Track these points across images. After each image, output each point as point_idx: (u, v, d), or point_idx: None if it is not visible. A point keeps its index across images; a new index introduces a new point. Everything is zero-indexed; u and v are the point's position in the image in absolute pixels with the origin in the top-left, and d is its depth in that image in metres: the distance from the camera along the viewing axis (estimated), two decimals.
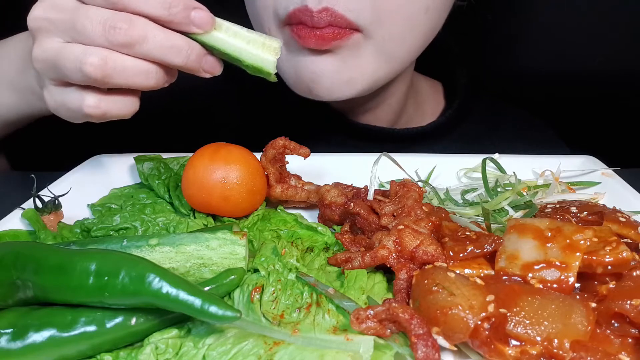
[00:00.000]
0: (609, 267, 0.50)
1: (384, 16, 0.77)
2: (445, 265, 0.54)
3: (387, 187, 0.77)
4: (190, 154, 0.74)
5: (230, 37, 0.62)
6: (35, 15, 0.61)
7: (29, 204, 0.72)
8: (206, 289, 0.53)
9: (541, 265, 0.51)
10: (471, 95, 1.10)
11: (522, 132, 1.11)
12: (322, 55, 0.79)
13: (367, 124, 1.02)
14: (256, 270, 0.57)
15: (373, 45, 0.80)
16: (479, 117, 1.10)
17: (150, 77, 0.61)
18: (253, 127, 1.05)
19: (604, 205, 0.65)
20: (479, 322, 0.46)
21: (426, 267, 0.53)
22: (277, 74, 0.64)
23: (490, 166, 0.81)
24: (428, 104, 1.11)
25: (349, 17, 0.75)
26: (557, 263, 0.51)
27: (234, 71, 0.67)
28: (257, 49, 0.62)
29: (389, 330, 0.48)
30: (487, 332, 0.47)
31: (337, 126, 0.99)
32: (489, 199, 0.74)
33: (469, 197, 0.77)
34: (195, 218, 0.72)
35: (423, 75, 1.13)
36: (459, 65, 1.11)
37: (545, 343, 0.46)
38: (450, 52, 1.12)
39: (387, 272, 0.59)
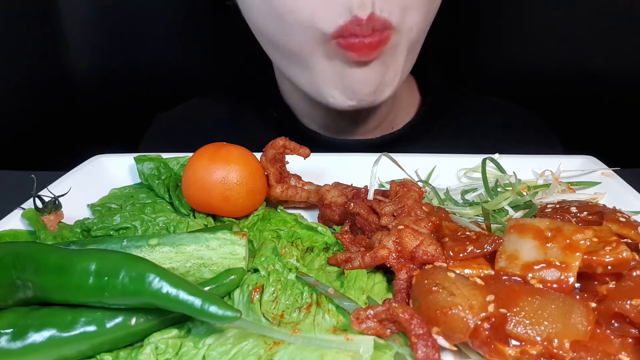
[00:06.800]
0: (609, 267, 0.50)
1: (407, 9, 0.81)
2: (445, 265, 0.54)
3: (387, 187, 0.77)
4: (190, 154, 0.74)
5: None
6: None
7: (29, 204, 0.72)
8: (206, 289, 0.53)
9: (541, 265, 0.51)
10: (448, 90, 1.11)
11: (505, 125, 1.10)
12: (368, 65, 0.83)
13: (344, 138, 1.03)
14: (256, 270, 0.57)
15: (402, 38, 0.83)
16: (458, 113, 1.10)
17: None
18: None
19: (604, 205, 0.64)
20: (479, 322, 0.46)
21: (426, 267, 0.53)
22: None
23: (490, 166, 0.81)
24: (405, 100, 1.11)
25: (385, 17, 0.78)
26: (557, 263, 0.51)
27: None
28: None
29: (389, 330, 0.48)
30: (487, 332, 0.47)
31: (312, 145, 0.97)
32: (489, 199, 0.74)
33: (469, 197, 0.77)
34: (195, 218, 0.72)
35: None
36: (430, 58, 1.12)
37: (545, 343, 0.46)
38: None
39: (387, 272, 0.59)
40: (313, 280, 0.55)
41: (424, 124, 1.06)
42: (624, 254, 0.50)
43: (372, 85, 0.85)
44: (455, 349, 0.48)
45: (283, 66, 0.92)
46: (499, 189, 0.76)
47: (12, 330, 0.48)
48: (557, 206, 0.67)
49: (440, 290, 0.48)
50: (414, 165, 0.83)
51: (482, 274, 0.54)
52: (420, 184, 0.79)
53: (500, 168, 0.82)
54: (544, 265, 0.51)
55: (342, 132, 1.04)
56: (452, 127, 1.07)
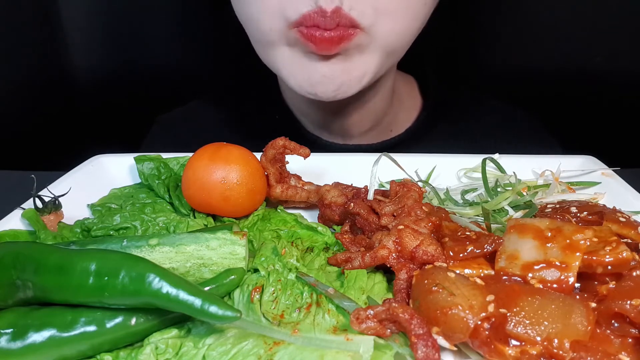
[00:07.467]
0: (609, 267, 0.50)
1: (385, 14, 0.79)
2: (445, 265, 0.54)
3: (387, 187, 0.77)
4: (190, 154, 0.74)
5: None
6: None
7: (29, 204, 0.72)
8: (206, 289, 0.53)
9: (541, 265, 0.51)
10: (448, 90, 1.11)
11: (504, 126, 1.11)
12: (329, 59, 0.81)
13: (345, 143, 1.03)
14: (256, 270, 0.57)
15: (376, 42, 0.82)
16: (458, 113, 1.10)
17: None
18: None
19: (604, 205, 0.64)
20: (479, 322, 0.46)
21: (426, 267, 0.53)
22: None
23: (490, 166, 0.81)
24: (406, 102, 1.11)
25: (353, 15, 0.77)
26: (557, 263, 0.51)
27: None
28: None
29: (389, 330, 0.48)
30: (487, 332, 0.47)
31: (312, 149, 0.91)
32: (489, 199, 0.74)
33: (469, 197, 0.77)
34: (195, 218, 0.72)
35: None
36: (428, 57, 1.11)
37: (545, 343, 0.46)
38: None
39: (387, 272, 0.59)
40: (313, 280, 0.55)
41: (424, 129, 1.06)
42: (624, 254, 0.50)
43: (334, 82, 0.82)
44: (455, 349, 0.48)
45: (259, 52, 0.92)
46: (499, 189, 0.76)
47: (12, 330, 0.48)
48: (557, 206, 0.67)
49: (440, 290, 0.48)
50: (414, 166, 0.83)
51: (482, 274, 0.54)
52: (420, 184, 0.79)
53: (500, 168, 0.82)
54: (544, 265, 0.51)
55: (338, 131, 1.04)
56: (452, 128, 1.07)
